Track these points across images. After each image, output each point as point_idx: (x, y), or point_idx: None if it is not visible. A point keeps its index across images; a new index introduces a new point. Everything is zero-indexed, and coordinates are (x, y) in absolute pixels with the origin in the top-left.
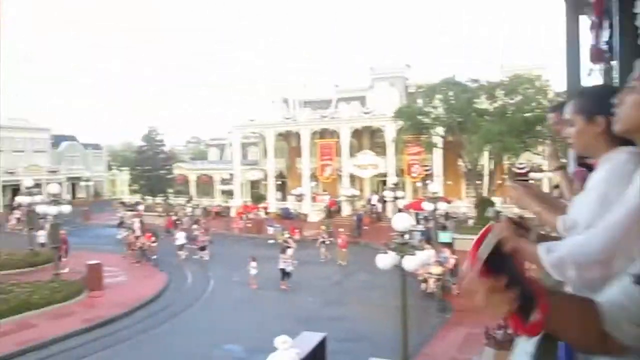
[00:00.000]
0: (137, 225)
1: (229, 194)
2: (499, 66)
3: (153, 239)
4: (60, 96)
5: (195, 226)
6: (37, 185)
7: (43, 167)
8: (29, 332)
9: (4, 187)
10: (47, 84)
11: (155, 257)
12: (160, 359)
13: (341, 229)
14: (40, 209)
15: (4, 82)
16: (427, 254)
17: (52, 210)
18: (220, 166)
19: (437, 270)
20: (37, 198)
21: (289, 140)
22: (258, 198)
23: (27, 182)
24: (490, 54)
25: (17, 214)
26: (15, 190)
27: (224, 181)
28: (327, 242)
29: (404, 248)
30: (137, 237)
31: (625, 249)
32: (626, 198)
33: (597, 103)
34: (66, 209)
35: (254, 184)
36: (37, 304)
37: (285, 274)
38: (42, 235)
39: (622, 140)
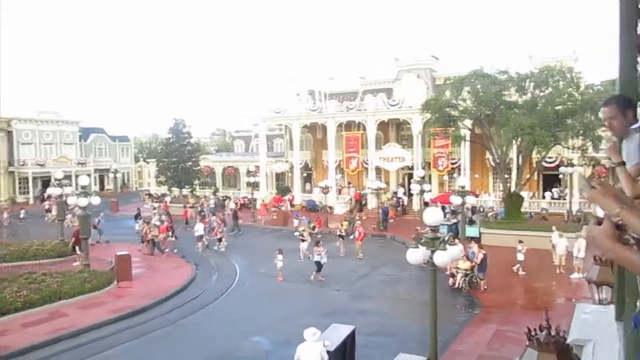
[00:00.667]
0: (155, 217)
1: (254, 185)
2: (527, 57)
3: (169, 232)
4: (88, 88)
5: (213, 217)
6: (67, 177)
7: (72, 159)
8: (60, 321)
9: (34, 178)
10: (76, 77)
11: (167, 249)
12: (188, 349)
13: (358, 222)
14: (70, 200)
15: (32, 75)
16: (457, 249)
17: (82, 201)
18: (246, 158)
19: (465, 265)
20: (67, 190)
21: (314, 133)
22: (283, 190)
23: (57, 173)
24: (519, 44)
25: (47, 205)
26: (45, 181)
27: (249, 173)
28: (344, 236)
29: (434, 243)
30: (150, 229)
31: None
32: None
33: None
34: (96, 200)
35: (280, 176)
36: (68, 293)
37: (320, 266)
38: (94, 226)
39: None
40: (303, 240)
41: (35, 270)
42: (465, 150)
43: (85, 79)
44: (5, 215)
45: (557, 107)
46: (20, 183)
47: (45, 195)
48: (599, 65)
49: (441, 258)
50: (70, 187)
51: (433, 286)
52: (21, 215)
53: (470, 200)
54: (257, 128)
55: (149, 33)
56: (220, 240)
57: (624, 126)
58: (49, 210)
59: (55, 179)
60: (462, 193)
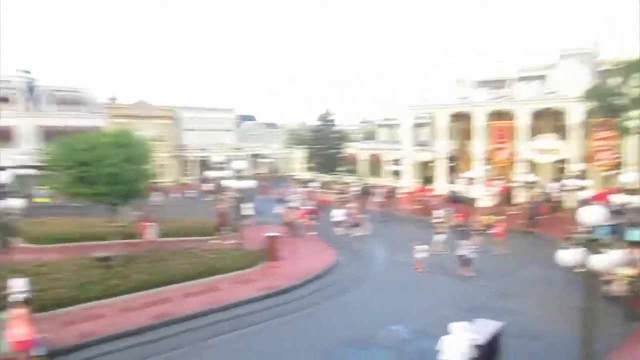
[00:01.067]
0: (297, 201)
1: (398, 174)
2: None
3: (311, 215)
4: (242, 77)
5: (351, 204)
6: (224, 162)
7: (229, 145)
8: (215, 294)
9: (196, 162)
10: (229, 66)
11: (309, 233)
12: (328, 332)
13: (500, 217)
14: (228, 183)
15: (191, 67)
16: (619, 254)
17: (237, 184)
18: (390, 146)
19: (627, 271)
20: (224, 173)
21: (461, 121)
22: (427, 180)
23: (216, 157)
24: None
25: (206, 186)
26: (206, 164)
27: (394, 162)
28: (483, 230)
29: (592, 245)
30: (289, 213)
31: None
32: None
33: None
34: (251, 183)
35: (424, 165)
36: (222, 269)
37: (465, 260)
38: (247, 208)
39: None
40: (440, 233)
41: (195, 247)
42: (632, 145)
43: (236, 69)
44: (178, 194)
45: None
46: (185, 166)
47: (206, 177)
48: None
49: (600, 262)
50: (227, 170)
51: (589, 293)
52: (189, 195)
53: (636, 200)
54: (403, 116)
55: (301, 24)
56: (357, 226)
57: None
58: (208, 192)
59: (215, 162)
60: (629, 191)
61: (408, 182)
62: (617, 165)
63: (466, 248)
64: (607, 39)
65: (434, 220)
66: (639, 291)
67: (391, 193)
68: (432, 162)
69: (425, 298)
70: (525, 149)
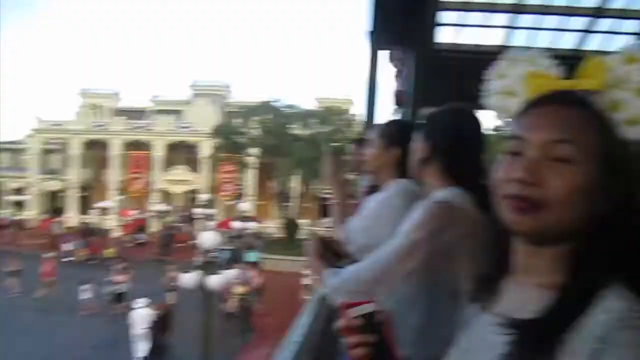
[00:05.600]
0: None
1: (22, 204)
2: (314, 96)
3: None
4: None
5: None
6: None
7: None
8: None
9: None
10: None
11: None
12: None
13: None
14: None
15: None
16: (232, 273)
17: None
18: (12, 173)
19: (240, 290)
20: None
21: (96, 150)
22: (57, 211)
23: None
24: (306, 83)
25: None
26: None
27: (16, 191)
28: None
29: (209, 267)
30: None
31: (387, 283)
32: (394, 238)
33: (397, 135)
34: None
35: (53, 195)
36: None
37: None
38: None
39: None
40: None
41: None
42: (250, 177)
43: None
44: None
45: (335, 144)
46: None
47: None
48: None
49: (215, 282)
50: None
51: (206, 310)
52: None
53: (253, 226)
54: (30, 140)
55: None
56: None
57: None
58: None
59: None
60: (244, 218)
61: (34, 213)
62: (238, 196)
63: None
64: (236, 82)
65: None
66: (251, 307)
67: (9, 226)
68: (63, 191)
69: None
70: (160, 179)
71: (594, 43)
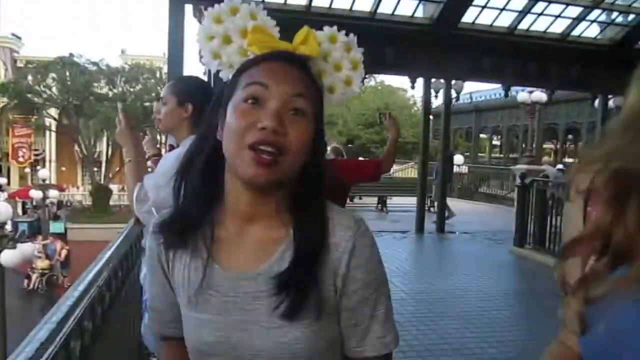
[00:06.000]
0: None
1: None
2: (119, 52)
3: None
4: None
5: None
6: None
7: None
8: None
9: None
10: None
11: None
12: None
13: None
14: None
15: None
16: (30, 247)
17: None
18: None
19: (43, 264)
20: None
21: None
22: None
23: None
24: (112, 37)
25: None
26: None
27: None
28: None
29: (2, 241)
30: None
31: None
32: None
33: (190, 91)
34: None
35: None
36: None
37: None
38: None
39: None
40: None
41: None
42: (50, 142)
43: None
44: None
45: (145, 104)
46: None
47: None
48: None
49: (9, 258)
50: None
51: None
52: None
53: (55, 194)
54: None
55: None
56: None
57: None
58: None
59: None
60: (44, 187)
61: None
62: (37, 162)
63: None
64: (28, 35)
65: None
66: (56, 281)
67: None
68: None
69: None
70: None
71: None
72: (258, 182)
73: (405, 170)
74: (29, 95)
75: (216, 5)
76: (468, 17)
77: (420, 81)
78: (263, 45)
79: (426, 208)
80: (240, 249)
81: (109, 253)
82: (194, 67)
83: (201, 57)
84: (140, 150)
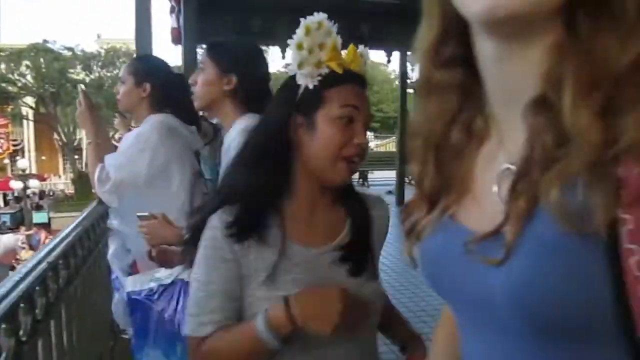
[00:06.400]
0: None
1: None
2: (95, 36)
3: None
4: None
5: None
6: None
7: None
8: None
9: None
10: None
11: None
12: None
13: None
14: None
15: None
16: (12, 238)
17: None
18: None
19: (27, 255)
20: None
21: None
22: None
23: None
24: (87, 22)
25: None
26: None
27: None
28: None
29: None
30: None
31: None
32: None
33: (148, 71)
34: None
35: None
36: None
37: None
38: None
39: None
40: None
41: None
42: (28, 131)
43: None
44: None
45: None
46: None
47: None
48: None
49: None
50: None
51: None
52: None
53: (36, 184)
54: None
55: None
56: None
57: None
58: None
59: None
60: (25, 177)
61: None
62: (16, 152)
63: None
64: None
65: None
66: None
67: None
68: None
69: None
70: None
71: None
72: (340, 184)
73: (387, 145)
74: (3, 85)
75: (309, 17)
76: None
77: (396, 55)
78: (339, 64)
79: (407, 181)
80: (312, 230)
81: (65, 232)
82: (163, 45)
83: (288, 65)
84: (101, 131)
